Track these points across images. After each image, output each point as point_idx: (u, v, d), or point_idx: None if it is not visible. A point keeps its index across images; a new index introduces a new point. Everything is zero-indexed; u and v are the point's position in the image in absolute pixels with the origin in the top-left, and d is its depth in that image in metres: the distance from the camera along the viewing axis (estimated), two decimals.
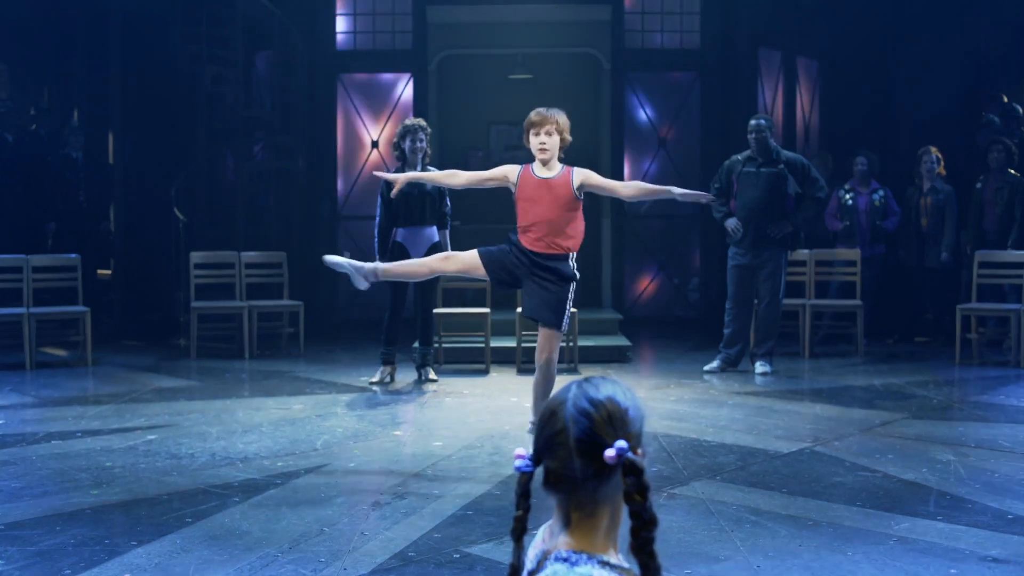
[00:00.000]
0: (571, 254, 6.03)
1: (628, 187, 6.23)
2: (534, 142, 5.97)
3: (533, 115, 6.00)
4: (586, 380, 2.06)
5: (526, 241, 5.98)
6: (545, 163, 5.99)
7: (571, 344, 9.32)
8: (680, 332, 11.66)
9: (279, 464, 5.90)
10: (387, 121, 12.51)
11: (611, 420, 1.99)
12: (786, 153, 9.11)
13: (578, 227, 6.05)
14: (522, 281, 6.06)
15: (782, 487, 5.42)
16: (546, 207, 5.94)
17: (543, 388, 6.01)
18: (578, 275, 6.07)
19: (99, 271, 11.76)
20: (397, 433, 6.74)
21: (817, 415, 7.29)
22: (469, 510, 5.04)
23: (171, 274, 11.42)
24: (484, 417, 7.27)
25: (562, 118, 6.01)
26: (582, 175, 6.01)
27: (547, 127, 5.92)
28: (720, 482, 5.53)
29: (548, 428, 2.02)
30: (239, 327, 10.19)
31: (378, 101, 12.54)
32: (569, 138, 6.05)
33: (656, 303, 12.76)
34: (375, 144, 12.56)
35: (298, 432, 6.74)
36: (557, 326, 5.97)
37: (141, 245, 11.59)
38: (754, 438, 6.52)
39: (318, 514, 4.96)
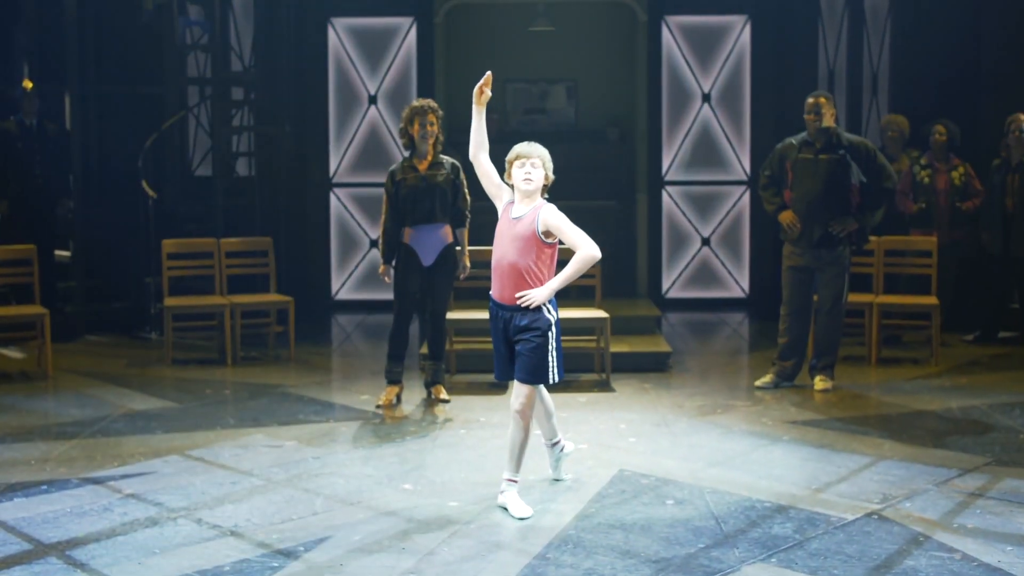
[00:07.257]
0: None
1: (577, 251, 6.31)
2: (519, 174, 6.30)
3: (517, 148, 6.35)
4: None
5: (495, 292, 6.38)
6: (528, 196, 6.31)
7: (602, 354, 9.42)
8: (727, 321, 11.71)
9: (275, 537, 6.02)
10: (387, 73, 12.51)
11: None
12: (848, 136, 9.06)
13: (544, 274, 6.28)
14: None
15: (847, 575, 5.53)
16: (506, 245, 6.29)
17: (523, 441, 6.53)
18: (554, 315, 6.32)
19: (57, 252, 11.86)
20: (407, 487, 6.86)
21: (886, 459, 7.38)
22: None
23: (139, 258, 11.51)
24: (504, 460, 7.38)
25: (547, 154, 6.37)
26: (548, 212, 6.27)
27: (533, 159, 6.30)
28: (776, 566, 5.62)
29: None
30: (219, 326, 10.31)
31: (377, 50, 12.52)
32: (552, 177, 6.38)
33: (699, 283, 12.84)
34: (373, 99, 12.57)
35: (294, 486, 6.87)
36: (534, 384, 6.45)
37: (105, 224, 11.65)
38: (813, 496, 6.62)
39: None
